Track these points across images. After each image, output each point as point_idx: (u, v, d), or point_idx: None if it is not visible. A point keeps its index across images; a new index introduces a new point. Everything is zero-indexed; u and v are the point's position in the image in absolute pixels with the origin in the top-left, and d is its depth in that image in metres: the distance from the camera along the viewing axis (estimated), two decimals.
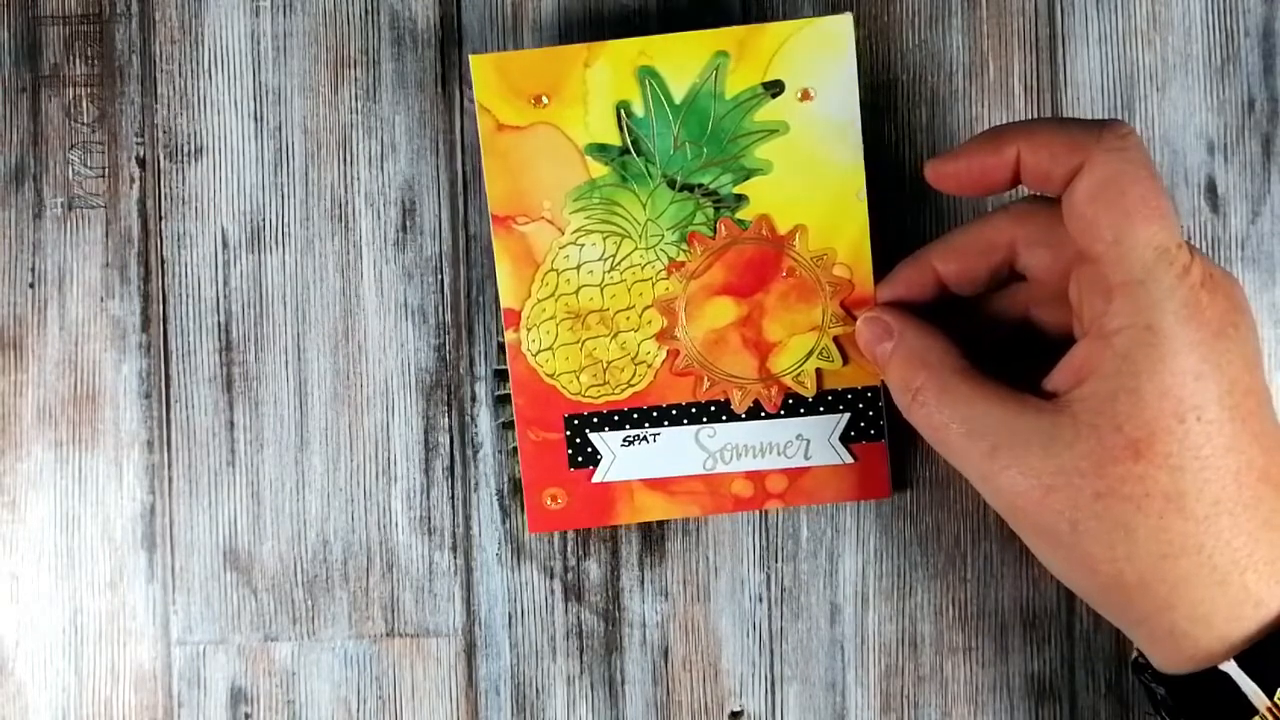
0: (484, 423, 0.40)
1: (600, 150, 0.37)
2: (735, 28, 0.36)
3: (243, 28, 0.40)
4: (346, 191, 0.40)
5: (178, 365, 0.40)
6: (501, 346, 0.39)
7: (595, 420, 0.38)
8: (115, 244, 0.40)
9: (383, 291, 0.40)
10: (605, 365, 0.38)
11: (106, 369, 0.40)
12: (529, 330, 0.38)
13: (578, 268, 0.37)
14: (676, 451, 0.38)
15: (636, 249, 0.37)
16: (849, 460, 0.38)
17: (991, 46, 0.40)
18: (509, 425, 0.39)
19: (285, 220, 0.40)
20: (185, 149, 0.40)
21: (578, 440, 0.38)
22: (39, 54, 0.40)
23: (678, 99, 0.37)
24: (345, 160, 0.40)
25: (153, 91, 0.40)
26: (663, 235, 0.37)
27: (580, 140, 0.37)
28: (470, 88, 0.40)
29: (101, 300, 0.40)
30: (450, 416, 0.40)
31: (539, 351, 0.38)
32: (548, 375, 0.38)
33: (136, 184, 0.40)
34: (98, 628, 0.40)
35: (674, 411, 0.38)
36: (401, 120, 0.40)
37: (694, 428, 0.38)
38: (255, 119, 0.40)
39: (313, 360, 0.40)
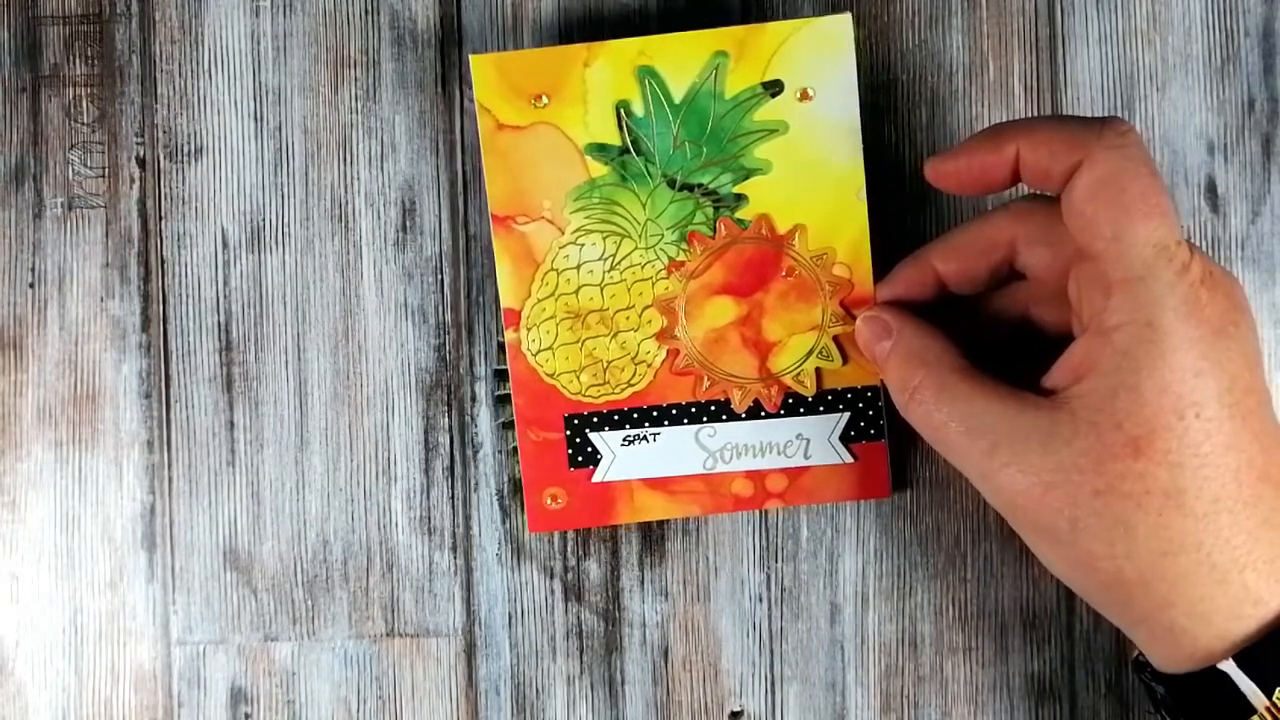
0: (484, 423, 0.40)
1: (600, 150, 0.37)
2: (735, 28, 0.36)
3: (243, 28, 0.40)
4: (346, 191, 0.40)
5: (178, 365, 0.40)
6: (501, 346, 0.39)
7: (595, 420, 0.38)
8: (115, 244, 0.40)
9: (383, 291, 0.40)
10: (605, 365, 0.38)
11: (106, 369, 0.40)
12: (529, 330, 0.38)
13: (578, 267, 0.37)
14: (676, 451, 0.38)
15: (636, 249, 0.37)
16: (849, 460, 0.38)
17: (991, 46, 0.40)
18: (509, 425, 0.39)
19: (285, 220, 0.40)
20: (185, 149, 0.40)
21: (578, 440, 0.38)
22: (39, 54, 0.40)
23: (677, 98, 0.37)
24: (345, 160, 0.40)
25: (153, 91, 0.40)
26: (662, 235, 0.37)
27: (580, 140, 0.37)
28: (470, 88, 0.40)
29: (101, 300, 0.40)
30: (450, 416, 0.40)
31: (539, 351, 0.38)
32: (548, 375, 0.38)
33: (136, 184, 0.40)
34: (98, 628, 0.40)
35: (674, 411, 0.38)
36: (401, 120, 0.40)
37: (694, 427, 0.38)
38: (255, 119, 0.40)
39: (313, 360, 0.40)
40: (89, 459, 0.40)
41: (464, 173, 0.40)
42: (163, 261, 0.40)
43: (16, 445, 0.40)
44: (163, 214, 0.40)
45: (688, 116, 0.37)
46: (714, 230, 0.37)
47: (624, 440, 0.38)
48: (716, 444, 0.38)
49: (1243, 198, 0.39)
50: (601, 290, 0.37)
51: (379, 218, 0.40)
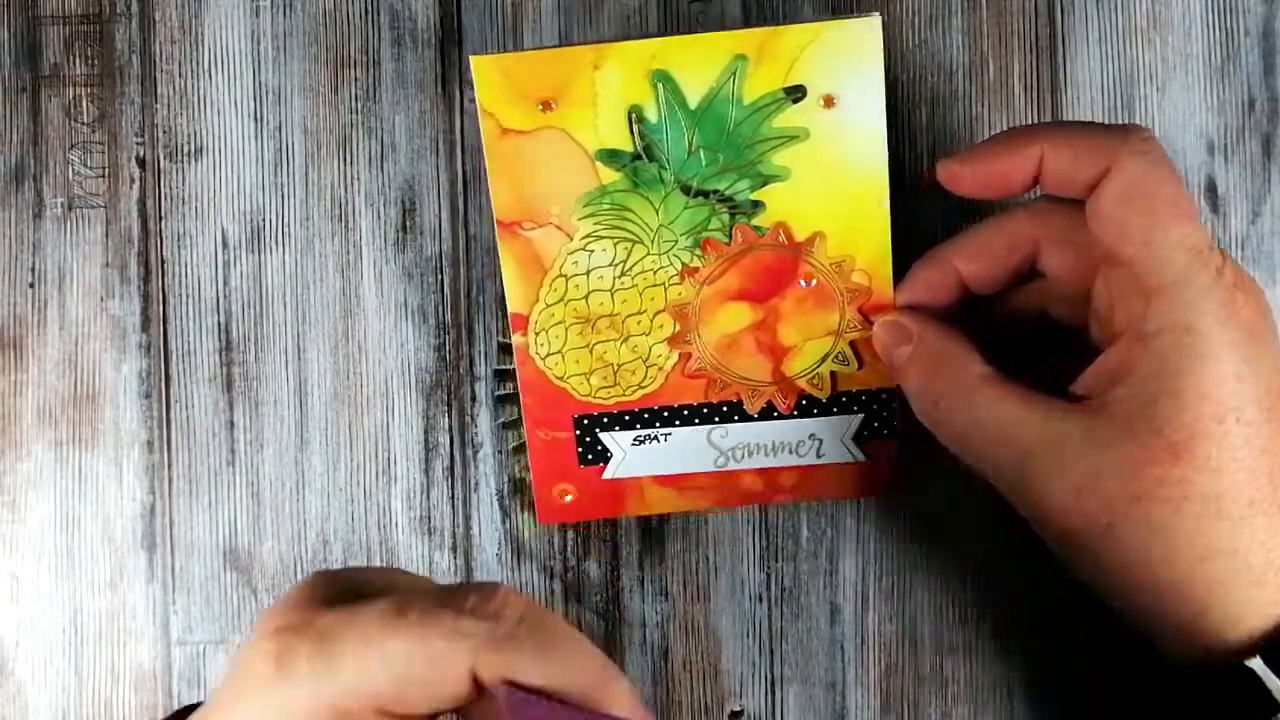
0: (484, 423, 0.40)
1: (611, 156, 0.35)
2: (754, 30, 0.34)
3: (243, 28, 0.40)
4: (346, 191, 0.40)
5: (178, 365, 0.40)
6: (502, 346, 0.40)
7: (605, 420, 0.38)
8: (115, 244, 0.40)
9: (383, 291, 0.40)
10: (616, 368, 0.37)
11: (106, 369, 0.40)
12: (537, 334, 0.37)
13: (587, 273, 0.37)
14: (688, 450, 0.38)
15: (649, 254, 0.36)
16: (861, 459, 0.38)
17: (991, 46, 0.40)
18: (509, 425, 0.39)
19: (285, 220, 0.40)
20: (185, 149, 0.40)
21: (587, 439, 0.38)
22: (39, 54, 0.40)
23: (693, 104, 0.35)
24: (345, 160, 0.40)
25: (153, 91, 0.40)
26: (676, 241, 0.36)
27: (590, 145, 0.35)
28: (471, 87, 0.40)
29: (101, 300, 0.40)
30: (450, 416, 0.40)
31: (548, 355, 0.37)
32: (557, 378, 0.38)
33: (136, 184, 0.40)
34: (98, 628, 0.40)
35: (685, 412, 0.38)
36: (401, 120, 0.40)
37: (705, 428, 0.38)
38: (255, 119, 0.40)
39: (313, 360, 0.40)
40: (89, 459, 0.40)
41: (464, 173, 0.40)
42: (163, 261, 0.40)
43: (16, 445, 0.40)
44: (163, 214, 0.40)
45: (704, 122, 0.35)
46: (729, 237, 0.36)
47: (635, 440, 0.38)
48: (728, 444, 0.38)
49: (1243, 198, 0.39)
50: (612, 295, 0.37)
51: (379, 218, 0.40)
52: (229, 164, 0.40)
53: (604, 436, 0.38)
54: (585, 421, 0.38)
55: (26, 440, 0.40)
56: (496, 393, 0.40)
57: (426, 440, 0.40)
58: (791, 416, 0.38)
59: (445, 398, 0.40)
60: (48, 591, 0.40)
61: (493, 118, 0.35)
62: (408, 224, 0.40)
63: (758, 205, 0.36)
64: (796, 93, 0.35)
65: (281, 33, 0.40)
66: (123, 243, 0.40)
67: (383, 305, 0.40)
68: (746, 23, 0.39)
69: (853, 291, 0.36)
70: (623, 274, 0.37)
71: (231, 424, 0.40)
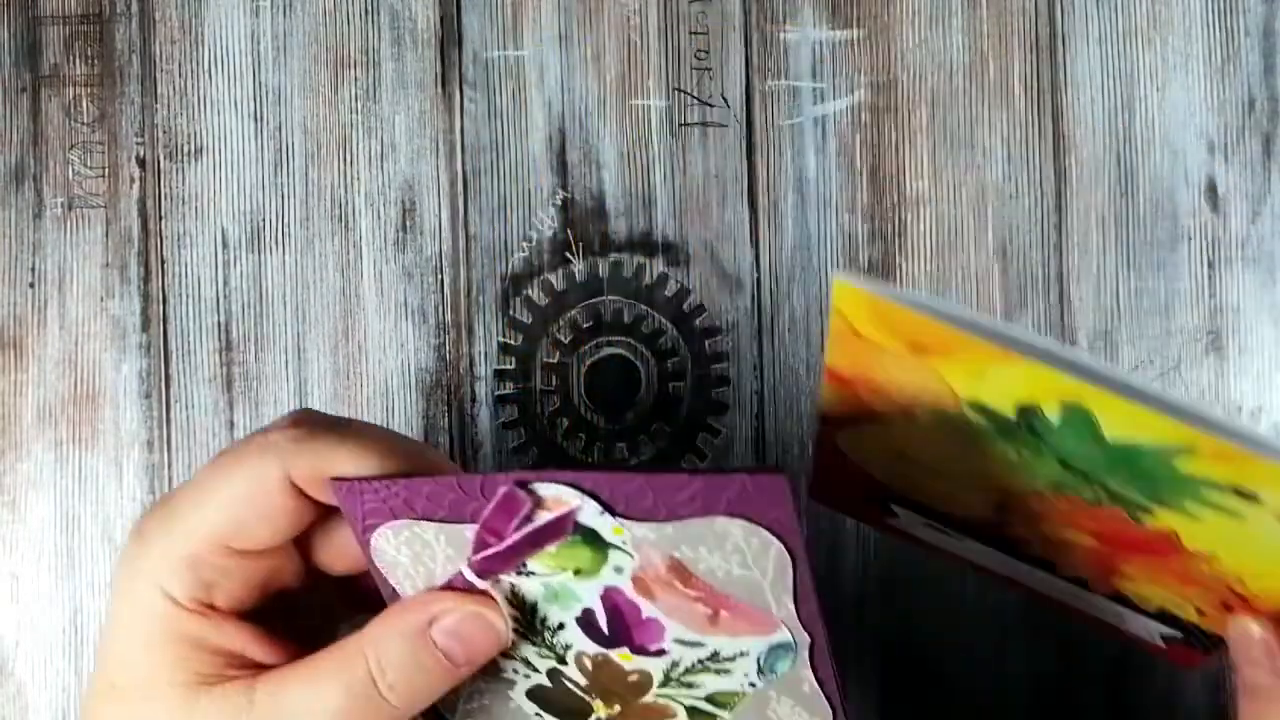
0: (484, 423, 0.40)
1: (984, 411, 0.27)
2: (1216, 439, 0.24)
3: (243, 28, 0.40)
4: (346, 191, 0.40)
5: (178, 365, 0.40)
6: (501, 346, 0.40)
7: (900, 498, 0.32)
8: (115, 244, 0.40)
9: (383, 291, 0.40)
10: (924, 494, 0.31)
11: (106, 369, 0.40)
12: (840, 429, 0.30)
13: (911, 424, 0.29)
14: (981, 554, 0.32)
15: (992, 462, 0.29)
16: (1162, 648, 0.33)
17: (991, 46, 0.40)
18: (509, 425, 0.39)
19: (285, 220, 0.40)
20: (185, 149, 0.40)
21: (879, 499, 0.33)
22: (39, 54, 0.40)
23: (1108, 438, 0.26)
24: (345, 160, 0.40)
25: (153, 91, 0.40)
26: (1035, 476, 0.28)
27: (962, 394, 0.27)
28: (472, 87, 0.40)
29: (101, 300, 0.40)
30: (450, 416, 0.40)
31: (850, 447, 0.31)
32: (859, 459, 0.31)
33: (136, 184, 0.40)
34: (98, 628, 0.40)
35: (988, 533, 0.32)
36: (401, 120, 0.40)
37: (1005, 555, 0.32)
38: (255, 119, 0.40)
39: (313, 360, 0.40)
40: (89, 459, 0.40)
41: (464, 173, 0.40)
42: (163, 261, 0.40)
43: (16, 445, 0.40)
44: (163, 214, 0.40)
45: (1115, 460, 0.26)
46: (1097, 503, 0.28)
47: (925, 523, 0.32)
48: (1027, 573, 0.32)
49: (1243, 198, 0.39)
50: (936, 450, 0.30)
51: (379, 218, 0.40)
52: (229, 164, 0.40)
53: (896, 508, 0.32)
54: (878, 494, 0.32)
55: (26, 440, 0.40)
56: (496, 393, 0.40)
57: (426, 440, 0.40)
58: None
59: (445, 398, 0.40)
60: (48, 591, 0.40)
61: (845, 320, 0.26)
62: (408, 224, 0.40)
63: (1145, 509, 0.28)
64: (1248, 496, 0.26)
65: (281, 33, 0.40)
66: (123, 243, 0.40)
67: (383, 305, 0.40)
68: (746, 21, 0.39)
69: (1227, 592, 0.29)
70: (954, 453, 0.29)
71: (231, 424, 0.40)
